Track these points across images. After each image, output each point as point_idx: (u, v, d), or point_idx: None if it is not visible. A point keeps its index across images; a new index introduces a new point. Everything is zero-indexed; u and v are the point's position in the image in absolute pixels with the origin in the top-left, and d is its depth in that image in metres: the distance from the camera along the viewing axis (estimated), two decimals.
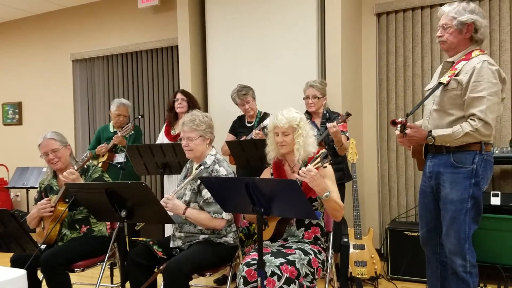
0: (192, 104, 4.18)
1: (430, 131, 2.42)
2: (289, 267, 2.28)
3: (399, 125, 2.37)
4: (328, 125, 3.38)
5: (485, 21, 2.44)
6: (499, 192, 3.52)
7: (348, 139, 3.63)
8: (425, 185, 2.62)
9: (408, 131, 2.40)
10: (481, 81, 2.32)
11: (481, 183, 2.43)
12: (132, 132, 4.32)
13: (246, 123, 4.04)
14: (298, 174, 2.37)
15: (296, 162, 2.61)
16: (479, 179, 2.41)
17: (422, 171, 2.67)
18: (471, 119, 2.33)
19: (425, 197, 2.64)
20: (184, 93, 4.26)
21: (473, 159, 2.39)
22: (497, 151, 3.54)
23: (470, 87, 2.34)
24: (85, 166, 3.01)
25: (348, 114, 3.44)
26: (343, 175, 3.68)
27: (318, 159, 2.34)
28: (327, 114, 3.67)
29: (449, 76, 2.42)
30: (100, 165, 4.31)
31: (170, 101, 4.37)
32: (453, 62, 2.48)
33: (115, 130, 4.59)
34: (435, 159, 2.51)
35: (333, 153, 3.60)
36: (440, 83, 2.45)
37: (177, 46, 5.02)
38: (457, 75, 2.40)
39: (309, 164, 2.39)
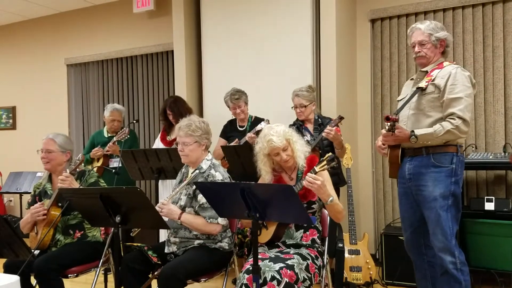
0: (184, 115, 4.12)
1: (413, 131, 2.56)
2: (289, 271, 2.28)
3: (390, 122, 2.53)
4: (325, 132, 3.37)
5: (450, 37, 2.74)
6: (493, 198, 3.53)
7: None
8: (405, 186, 2.71)
9: (395, 130, 2.56)
10: (457, 84, 2.54)
11: (460, 182, 2.59)
12: (128, 136, 4.30)
13: (238, 127, 4.04)
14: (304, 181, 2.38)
15: (293, 170, 2.63)
16: (458, 178, 2.58)
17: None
18: (451, 118, 2.51)
19: (408, 198, 2.73)
20: (171, 108, 4.18)
21: (452, 160, 2.57)
22: (490, 157, 3.56)
23: (447, 90, 2.54)
24: (77, 169, 3.01)
25: (341, 118, 3.45)
26: (338, 179, 3.68)
27: (325, 162, 2.38)
28: (319, 120, 3.67)
29: (426, 82, 2.62)
30: (95, 170, 4.29)
31: (161, 110, 4.34)
32: (427, 71, 2.68)
33: (109, 135, 4.57)
34: (415, 161, 2.63)
35: None
36: (418, 88, 2.63)
37: (172, 51, 5.03)
38: (433, 80, 2.59)
39: (315, 167, 2.40)
